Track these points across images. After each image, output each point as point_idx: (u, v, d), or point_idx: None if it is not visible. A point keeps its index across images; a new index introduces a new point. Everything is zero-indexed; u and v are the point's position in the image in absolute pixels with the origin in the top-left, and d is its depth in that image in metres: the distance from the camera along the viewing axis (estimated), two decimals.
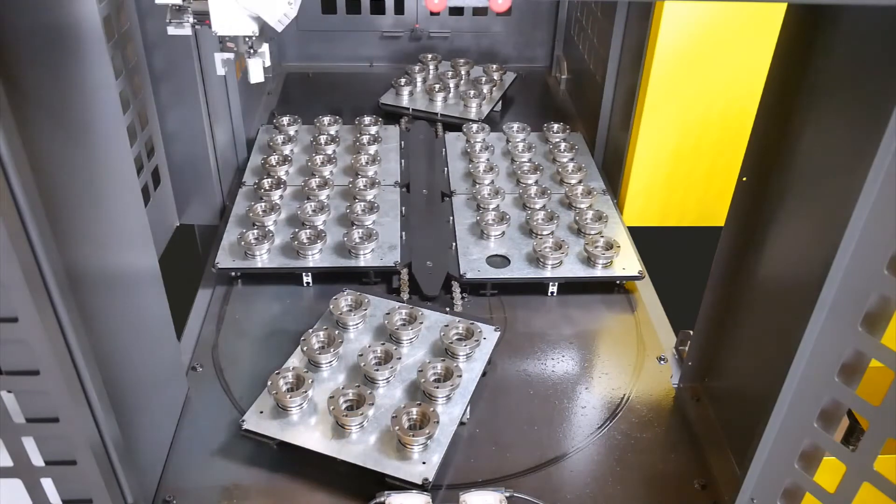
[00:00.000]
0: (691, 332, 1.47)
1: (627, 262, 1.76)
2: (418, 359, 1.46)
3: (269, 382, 1.34)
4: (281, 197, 1.94)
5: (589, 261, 1.75)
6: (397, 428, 1.27)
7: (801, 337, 0.95)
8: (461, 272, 1.72)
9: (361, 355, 1.42)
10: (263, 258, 1.73)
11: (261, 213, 1.83)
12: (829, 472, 0.97)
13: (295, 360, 1.45)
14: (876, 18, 0.88)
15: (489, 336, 1.51)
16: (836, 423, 0.97)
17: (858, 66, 0.93)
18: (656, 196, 2.00)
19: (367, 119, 2.30)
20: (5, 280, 0.83)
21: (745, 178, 1.22)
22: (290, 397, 1.32)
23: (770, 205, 1.16)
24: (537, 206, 1.93)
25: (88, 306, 0.97)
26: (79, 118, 1.01)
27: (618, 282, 1.77)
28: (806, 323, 0.94)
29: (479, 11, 2.77)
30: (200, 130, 1.86)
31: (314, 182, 1.96)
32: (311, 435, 1.30)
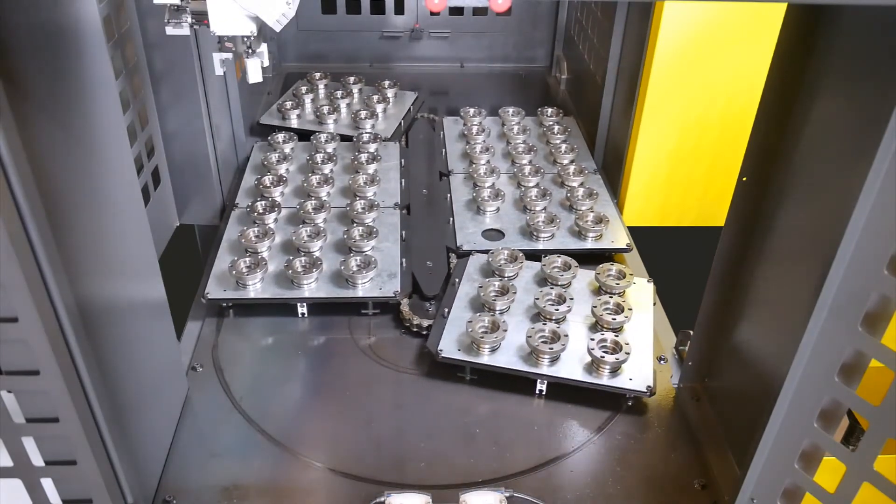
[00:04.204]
0: (691, 332, 1.47)
1: (616, 236, 1.84)
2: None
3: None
4: (275, 221, 1.83)
5: (579, 234, 1.83)
6: None
7: (801, 337, 0.95)
8: (458, 245, 1.78)
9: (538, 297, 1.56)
10: (256, 287, 1.63)
11: (253, 238, 1.73)
12: (829, 472, 0.97)
13: None
14: (876, 18, 0.88)
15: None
16: (836, 423, 0.97)
17: (858, 65, 0.93)
18: (656, 196, 2.00)
19: (365, 136, 2.17)
20: (5, 280, 0.83)
21: (745, 178, 1.22)
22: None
23: (770, 205, 1.16)
24: (531, 184, 1.99)
25: (88, 306, 0.97)
26: (79, 118, 1.01)
27: (607, 254, 1.82)
28: (806, 323, 0.94)
29: (479, 11, 2.77)
30: (200, 130, 1.86)
31: (310, 205, 1.84)
32: None
